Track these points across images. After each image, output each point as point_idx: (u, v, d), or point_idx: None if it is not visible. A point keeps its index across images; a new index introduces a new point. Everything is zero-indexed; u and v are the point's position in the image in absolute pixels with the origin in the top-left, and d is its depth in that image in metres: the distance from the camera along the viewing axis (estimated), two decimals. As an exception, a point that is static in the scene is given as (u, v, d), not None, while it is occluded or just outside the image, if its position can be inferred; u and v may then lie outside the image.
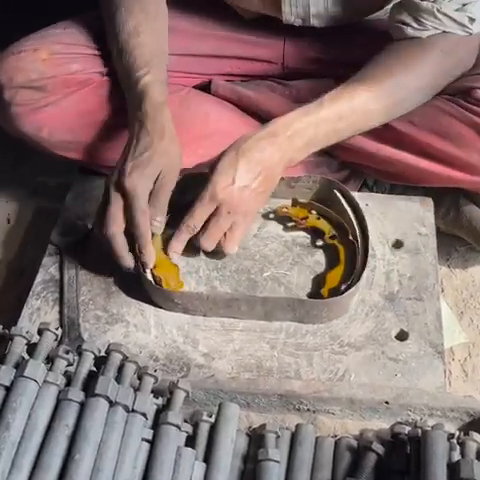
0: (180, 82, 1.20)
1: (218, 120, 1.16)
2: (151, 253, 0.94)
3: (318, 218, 1.05)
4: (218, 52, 1.19)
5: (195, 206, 0.94)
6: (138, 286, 0.99)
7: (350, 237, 1.00)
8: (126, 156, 0.94)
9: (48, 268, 1.04)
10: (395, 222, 1.08)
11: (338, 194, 1.04)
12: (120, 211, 0.93)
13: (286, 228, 1.07)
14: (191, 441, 0.80)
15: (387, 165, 1.13)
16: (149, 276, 0.97)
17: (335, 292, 0.95)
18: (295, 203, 1.06)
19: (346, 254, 1.00)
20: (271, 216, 1.07)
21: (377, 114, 0.99)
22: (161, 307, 0.98)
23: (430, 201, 1.11)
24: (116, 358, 0.80)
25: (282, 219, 1.07)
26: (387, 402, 0.85)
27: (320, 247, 1.04)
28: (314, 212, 1.05)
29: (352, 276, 0.95)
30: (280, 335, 0.95)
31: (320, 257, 1.04)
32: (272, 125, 0.96)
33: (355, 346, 0.94)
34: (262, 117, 1.19)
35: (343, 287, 0.94)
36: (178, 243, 0.98)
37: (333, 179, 1.06)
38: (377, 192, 1.22)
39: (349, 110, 0.95)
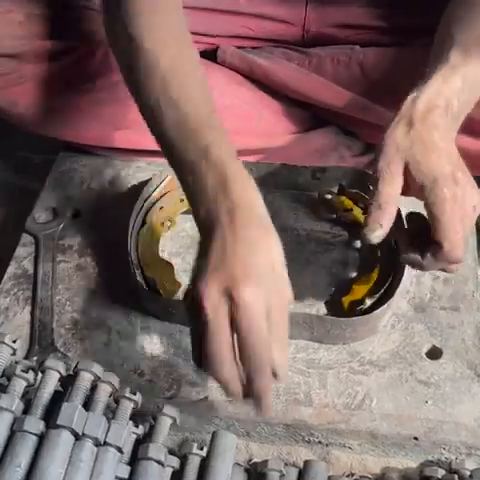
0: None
1: (222, 94, 1.01)
2: (269, 404, 0.62)
3: (363, 213, 0.89)
4: (231, 7, 1.03)
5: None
6: (124, 286, 0.84)
7: (393, 243, 0.84)
8: (216, 262, 0.62)
9: (21, 261, 0.90)
10: (427, 216, 0.92)
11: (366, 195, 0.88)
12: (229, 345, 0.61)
13: (318, 219, 0.91)
14: (178, 478, 0.67)
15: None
16: (140, 279, 0.82)
17: (357, 306, 0.79)
18: (342, 191, 0.91)
19: (382, 261, 0.85)
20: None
21: None
22: (154, 316, 0.83)
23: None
24: (85, 379, 0.66)
25: (321, 208, 0.91)
26: (416, 438, 0.71)
27: (357, 249, 0.89)
28: (361, 205, 0.90)
29: (382, 290, 0.80)
30: (289, 349, 0.80)
31: (338, 255, 0.89)
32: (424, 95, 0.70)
33: (378, 365, 0.79)
34: (276, 91, 1.04)
35: (368, 302, 0.79)
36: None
37: (367, 170, 0.90)
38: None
39: None
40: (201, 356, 0.62)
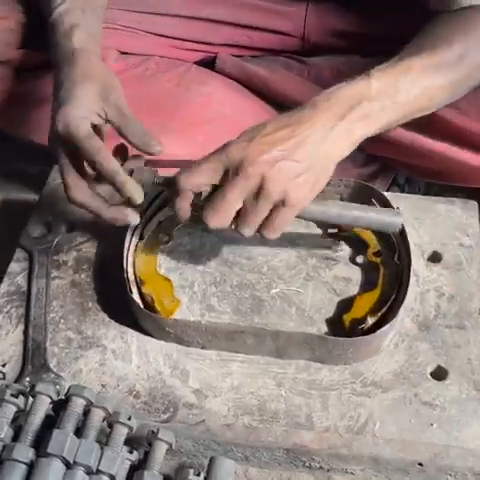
0: (180, 56, 1.03)
1: (221, 103, 0.99)
2: (134, 185, 0.73)
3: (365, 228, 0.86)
4: (227, 18, 1.01)
5: (197, 162, 0.72)
6: (120, 303, 0.82)
7: (396, 259, 0.82)
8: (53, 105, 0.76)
9: (14, 277, 0.87)
10: (432, 230, 0.90)
11: (377, 204, 0.85)
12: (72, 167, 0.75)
13: (323, 235, 0.88)
14: (174, 505, 0.64)
15: (423, 159, 0.96)
16: (136, 297, 0.80)
17: (359, 324, 0.77)
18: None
19: (384, 278, 0.82)
20: None
21: (441, 90, 0.77)
22: (150, 334, 0.81)
23: (475, 205, 0.92)
24: (77, 405, 0.63)
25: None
26: (420, 463, 0.68)
27: (359, 265, 0.86)
28: None
29: (384, 307, 0.77)
30: (289, 369, 0.78)
31: (339, 271, 0.86)
32: (312, 98, 0.73)
33: (381, 386, 0.76)
34: (275, 100, 1.02)
35: (370, 320, 0.76)
36: (181, 210, 0.74)
37: (371, 184, 0.88)
38: (409, 192, 1.04)
39: (407, 82, 0.74)
40: None
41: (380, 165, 1.03)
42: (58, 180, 0.97)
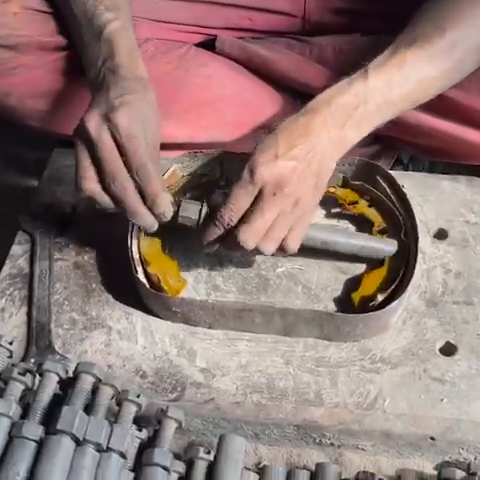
0: (179, 38, 1.01)
1: (223, 84, 0.98)
2: (166, 199, 0.75)
3: (369, 205, 0.86)
4: (231, 0, 1.00)
5: (232, 191, 0.73)
6: (124, 284, 0.81)
7: (402, 235, 0.81)
8: (99, 100, 0.75)
9: (16, 259, 0.86)
10: (437, 207, 0.89)
11: (382, 182, 0.85)
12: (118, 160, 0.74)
13: (328, 214, 0.88)
14: (184, 483, 0.64)
15: (427, 138, 0.96)
16: (141, 276, 0.79)
17: (369, 301, 0.76)
18: (346, 183, 0.88)
19: (392, 255, 0.82)
20: None
21: (435, 81, 0.80)
22: (156, 315, 0.80)
23: (479, 182, 0.92)
24: (86, 382, 0.62)
25: (326, 202, 0.88)
26: (432, 438, 0.67)
27: None
28: (367, 198, 0.87)
29: (394, 284, 0.77)
30: (297, 347, 0.77)
31: (346, 249, 0.85)
32: (310, 103, 0.77)
33: (390, 362, 0.76)
34: (277, 81, 1.01)
35: (380, 297, 0.76)
36: (210, 242, 0.76)
37: (375, 162, 0.87)
38: (413, 170, 1.03)
39: (401, 78, 0.76)
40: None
41: (384, 144, 1.03)
42: (59, 163, 0.96)
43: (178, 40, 1.02)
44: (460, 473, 0.65)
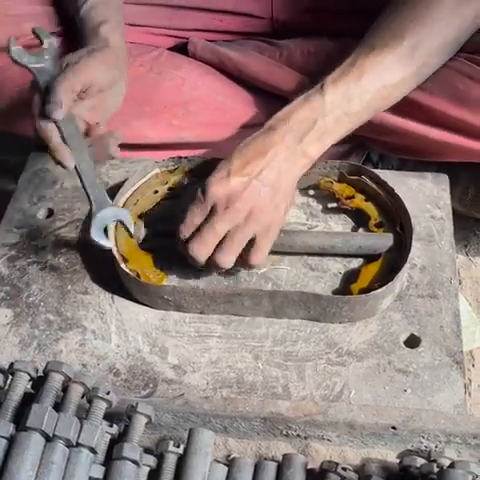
0: (152, 41, 1.03)
1: (195, 86, 1.00)
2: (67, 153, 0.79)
3: (366, 200, 0.89)
4: (197, 4, 1.02)
5: (188, 209, 0.78)
6: (99, 285, 0.84)
7: (398, 228, 0.84)
8: None
9: (-6, 262, 0.88)
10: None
11: (369, 182, 0.88)
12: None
13: (326, 209, 0.91)
14: (155, 477, 0.66)
15: (394, 136, 0.98)
16: (128, 270, 0.81)
17: (368, 291, 0.79)
18: (342, 178, 0.90)
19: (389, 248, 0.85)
20: (311, 192, 0.92)
21: (396, 88, 0.82)
22: (147, 305, 0.83)
23: (445, 178, 0.94)
24: (55, 380, 0.65)
25: (324, 198, 0.91)
26: (394, 427, 0.69)
27: None
28: (363, 192, 0.90)
29: (390, 276, 0.79)
30: (266, 342, 0.80)
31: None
32: (269, 121, 0.80)
33: (356, 355, 0.78)
34: (248, 83, 1.03)
35: (377, 286, 0.79)
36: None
37: (359, 164, 0.91)
38: (383, 168, 1.06)
39: (359, 90, 0.79)
40: None
41: (354, 143, 1.05)
42: (36, 167, 0.98)
43: (151, 43, 1.04)
44: (421, 460, 0.67)
